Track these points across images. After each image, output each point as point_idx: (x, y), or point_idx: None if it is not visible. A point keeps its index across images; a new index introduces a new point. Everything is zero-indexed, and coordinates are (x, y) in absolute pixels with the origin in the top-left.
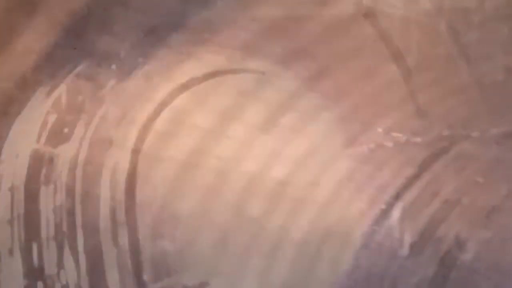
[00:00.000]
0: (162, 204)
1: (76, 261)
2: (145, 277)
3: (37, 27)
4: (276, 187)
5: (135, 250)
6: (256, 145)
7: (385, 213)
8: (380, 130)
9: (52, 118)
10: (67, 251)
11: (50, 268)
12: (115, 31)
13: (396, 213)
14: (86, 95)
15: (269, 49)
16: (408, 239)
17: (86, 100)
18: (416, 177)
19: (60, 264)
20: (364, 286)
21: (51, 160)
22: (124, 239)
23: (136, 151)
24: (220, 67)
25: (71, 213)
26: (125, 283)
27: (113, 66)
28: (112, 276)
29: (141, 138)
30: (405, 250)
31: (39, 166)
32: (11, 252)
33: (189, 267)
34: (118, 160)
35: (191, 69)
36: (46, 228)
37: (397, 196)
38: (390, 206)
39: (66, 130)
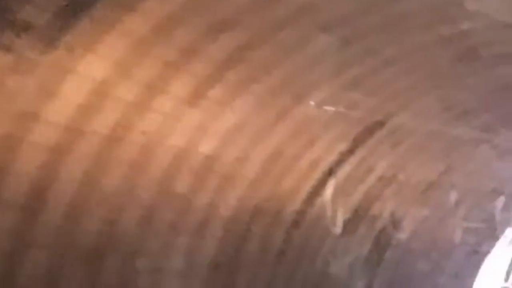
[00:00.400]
0: (84, 180)
1: None
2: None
3: None
4: (203, 163)
5: (56, 227)
6: (182, 119)
7: (317, 189)
8: (312, 103)
9: None
10: None
11: None
12: (36, 0)
13: (329, 189)
14: (5, 67)
15: (196, 19)
16: (341, 217)
17: (5, 71)
18: (349, 152)
19: None
20: (296, 266)
21: None
22: (45, 217)
23: (57, 125)
24: (145, 38)
25: None
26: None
27: (34, 37)
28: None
29: (62, 112)
30: (338, 228)
31: None
32: None
33: (113, 246)
34: (39, 134)
35: (114, 40)
36: None
37: (330, 172)
38: (322, 182)
39: None
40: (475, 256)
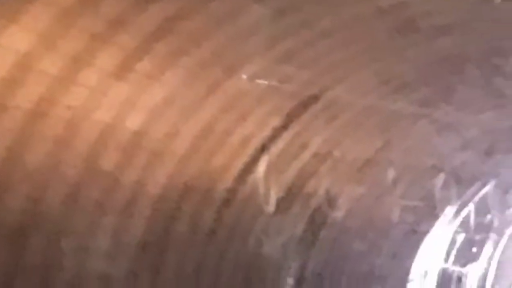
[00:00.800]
0: (7, 157)
1: None
2: None
3: None
4: (131, 139)
5: None
6: (109, 93)
7: (249, 166)
8: (244, 76)
9: None
10: None
11: None
12: None
13: (261, 166)
14: None
15: None
16: (274, 195)
17: None
18: (283, 127)
19: None
20: (227, 245)
21: None
22: None
23: None
24: (70, 9)
25: None
26: None
27: None
28: None
29: None
30: (271, 207)
31: None
32: None
33: (37, 225)
34: None
35: (38, 10)
36: None
37: (263, 149)
38: (255, 159)
39: None
40: (414, 236)
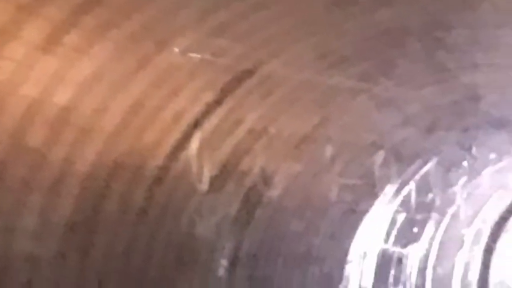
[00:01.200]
0: None
1: None
2: None
3: None
4: (59, 114)
5: None
6: (36, 67)
7: (181, 143)
8: (176, 50)
9: None
10: None
11: None
12: None
13: (194, 143)
14: None
15: None
16: (207, 173)
17: None
18: (216, 103)
19: None
20: (158, 225)
21: None
22: None
23: None
24: None
25: None
26: None
27: None
28: None
29: None
30: (204, 185)
31: None
32: None
33: None
34: None
35: None
36: None
37: (195, 125)
38: (187, 135)
39: None
40: (353, 215)
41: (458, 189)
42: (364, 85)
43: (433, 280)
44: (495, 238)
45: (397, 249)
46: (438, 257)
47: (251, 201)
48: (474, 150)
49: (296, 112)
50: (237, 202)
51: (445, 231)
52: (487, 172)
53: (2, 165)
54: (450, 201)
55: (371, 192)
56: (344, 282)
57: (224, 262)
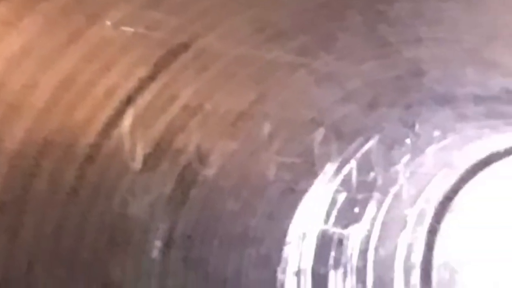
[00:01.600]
0: None
1: None
2: None
3: None
4: None
5: None
6: None
7: (114, 120)
8: (108, 23)
9: None
10: None
11: None
12: None
13: (127, 120)
14: None
15: None
16: (141, 151)
17: None
18: (150, 78)
19: None
20: (90, 205)
21: None
22: None
23: None
24: None
25: None
26: None
27: None
28: None
29: None
30: (137, 164)
31: None
32: None
33: None
34: None
35: None
36: None
37: (128, 101)
38: (120, 112)
39: None
40: (291, 195)
41: (401, 168)
42: (303, 60)
43: (374, 262)
44: (439, 218)
45: (338, 230)
46: (380, 238)
47: (186, 180)
48: (417, 127)
49: (233, 88)
50: (171, 181)
51: (387, 211)
52: (431, 150)
53: None
54: (393, 180)
55: (311, 171)
56: (282, 264)
57: (158, 243)
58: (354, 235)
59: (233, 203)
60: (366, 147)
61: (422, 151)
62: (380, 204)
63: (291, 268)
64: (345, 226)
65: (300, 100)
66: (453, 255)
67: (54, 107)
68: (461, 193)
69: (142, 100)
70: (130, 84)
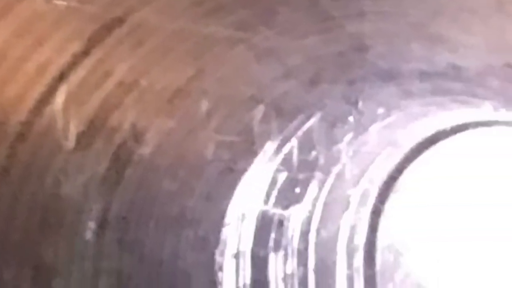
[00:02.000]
0: None
1: None
2: None
3: None
4: None
5: None
6: None
7: (46, 97)
8: None
9: None
10: None
11: None
12: None
13: (59, 97)
14: None
15: None
16: (74, 129)
17: None
18: (84, 53)
19: None
20: (21, 185)
21: None
22: None
23: None
24: None
25: None
26: None
27: None
28: None
29: None
30: (70, 143)
31: None
32: None
33: None
34: None
35: None
36: None
37: (61, 77)
38: (52, 89)
39: None
40: (230, 175)
41: (344, 147)
42: (242, 35)
43: (316, 244)
44: (383, 199)
45: (278, 211)
46: (322, 220)
47: (121, 159)
48: (360, 104)
49: (169, 64)
50: (105, 161)
51: (330, 192)
52: (374, 128)
53: None
54: (335, 160)
55: (250, 150)
56: (220, 246)
57: (91, 225)
58: (295, 216)
59: (169, 183)
60: (308, 125)
61: (365, 129)
62: (322, 184)
63: (229, 251)
64: (286, 207)
65: (239, 76)
66: (398, 236)
67: None
68: (406, 172)
69: (76, 77)
70: (63, 59)
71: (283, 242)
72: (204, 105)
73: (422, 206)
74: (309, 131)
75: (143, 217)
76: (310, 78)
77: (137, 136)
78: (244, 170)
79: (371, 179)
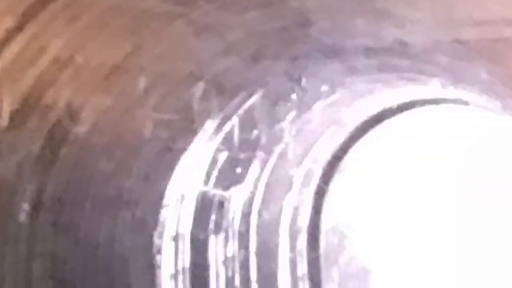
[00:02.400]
0: None
1: None
2: None
3: None
4: None
5: None
6: None
7: None
8: None
9: None
10: None
11: None
12: None
13: None
14: None
15: None
16: (7, 107)
17: None
18: (17, 29)
19: None
20: None
21: None
22: None
23: None
24: None
25: None
26: None
27: None
28: None
29: None
30: (4, 121)
31: None
32: None
33: None
34: None
35: None
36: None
37: None
38: None
39: None
40: (169, 154)
41: (286, 125)
42: (181, 9)
43: (258, 226)
44: (327, 179)
45: (219, 192)
46: (264, 201)
47: (56, 138)
48: (304, 81)
49: (106, 40)
50: (40, 140)
51: (272, 172)
52: (318, 106)
53: None
54: (277, 139)
55: (190, 129)
56: (159, 228)
57: (25, 206)
58: (236, 197)
59: (106, 163)
60: (249, 102)
61: (309, 107)
62: (264, 164)
63: (168, 233)
64: (227, 188)
65: (178, 52)
66: (342, 218)
67: None
68: (351, 152)
69: (9, 53)
70: None
71: (224, 224)
72: (142, 82)
73: (368, 187)
74: (250, 109)
75: (79, 198)
76: (251, 54)
77: (73, 114)
78: (184, 149)
79: (314, 159)
